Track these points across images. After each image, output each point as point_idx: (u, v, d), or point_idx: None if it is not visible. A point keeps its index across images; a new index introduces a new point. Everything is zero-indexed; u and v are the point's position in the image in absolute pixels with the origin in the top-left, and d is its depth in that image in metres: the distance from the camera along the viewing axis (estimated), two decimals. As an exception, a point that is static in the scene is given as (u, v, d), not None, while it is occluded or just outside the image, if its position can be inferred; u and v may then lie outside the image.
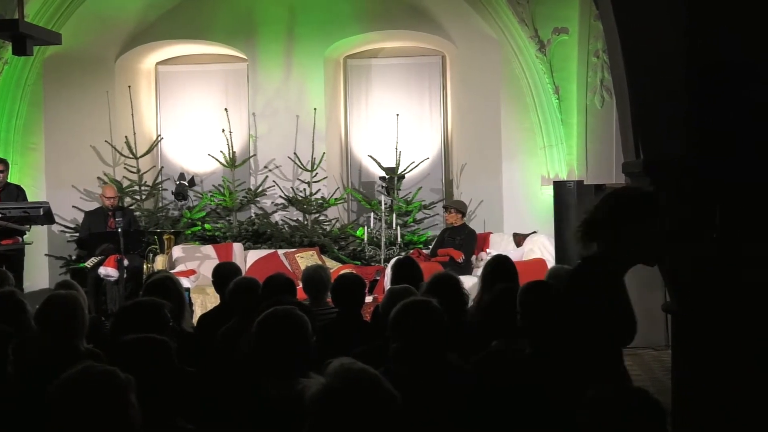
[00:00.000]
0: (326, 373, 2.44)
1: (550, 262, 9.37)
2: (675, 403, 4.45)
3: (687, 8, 4.05)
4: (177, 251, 10.50)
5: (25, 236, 9.80)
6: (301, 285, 6.22)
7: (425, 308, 3.89)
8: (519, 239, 10.54)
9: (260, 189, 11.52)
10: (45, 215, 9.43)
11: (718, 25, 4.04)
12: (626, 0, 4.18)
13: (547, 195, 10.14)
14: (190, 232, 11.20)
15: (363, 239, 10.92)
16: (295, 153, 11.37)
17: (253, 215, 11.52)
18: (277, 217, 11.51)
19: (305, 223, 11.28)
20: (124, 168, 11.48)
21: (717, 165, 4.01)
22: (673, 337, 4.73)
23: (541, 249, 10.09)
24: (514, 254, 9.17)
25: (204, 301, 9.32)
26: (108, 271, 9.70)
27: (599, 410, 2.32)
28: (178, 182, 11.23)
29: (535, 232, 10.48)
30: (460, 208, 10.56)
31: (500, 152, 11.19)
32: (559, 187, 9.62)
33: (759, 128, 3.95)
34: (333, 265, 10.03)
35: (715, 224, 4.06)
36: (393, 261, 7.59)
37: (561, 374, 3.83)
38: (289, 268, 10.13)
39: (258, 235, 11.19)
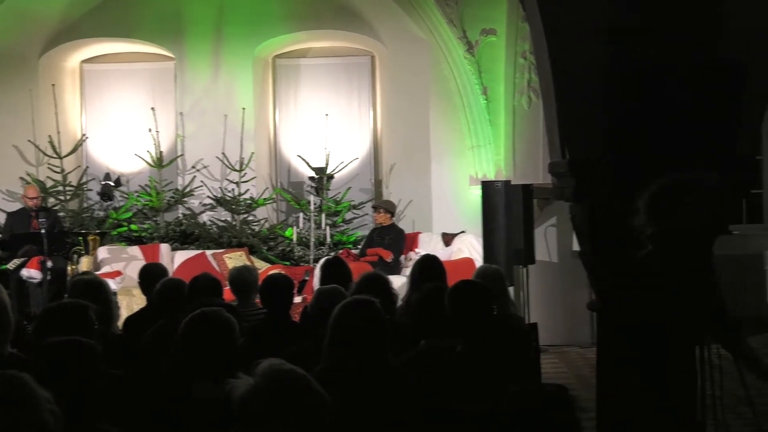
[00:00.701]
0: (255, 373, 2.43)
1: (478, 262, 9.46)
2: (600, 400, 4.53)
3: (608, 15, 4.13)
4: (102, 252, 10.34)
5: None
6: (228, 286, 6.18)
7: (369, 308, 3.88)
8: (447, 239, 10.61)
9: (188, 189, 11.40)
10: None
11: (637, 29, 4.13)
12: (552, 3, 4.25)
13: (475, 195, 10.23)
14: (116, 232, 11.03)
15: (292, 239, 10.89)
16: (223, 153, 11.29)
17: (180, 216, 11.40)
18: (205, 218, 11.41)
19: (234, 223, 11.21)
20: (48, 168, 11.25)
21: (631, 165, 4.09)
22: (597, 335, 4.81)
23: (470, 248, 10.18)
24: (443, 254, 9.22)
25: (130, 302, 9.18)
26: (31, 273, 9.52)
27: (518, 405, 2.35)
28: (103, 182, 11.05)
29: (463, 232, 10.56)
30: (389, 208, 10.60)
31: (429, 152, 11.25)
32: (486, 187, 9.71)
33: (671, 130, 4.05)
34: (262, 266, 9.98)
35: (633, 223, 4.14)
36: (322, 261, 7.58)
37: (489, 371, 3.87)
38: (218, 269, 10.04)
39: (186, 235, 11.07)
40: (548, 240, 9.99)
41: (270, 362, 2.49)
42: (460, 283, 4.38)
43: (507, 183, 9.59)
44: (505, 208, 9.35)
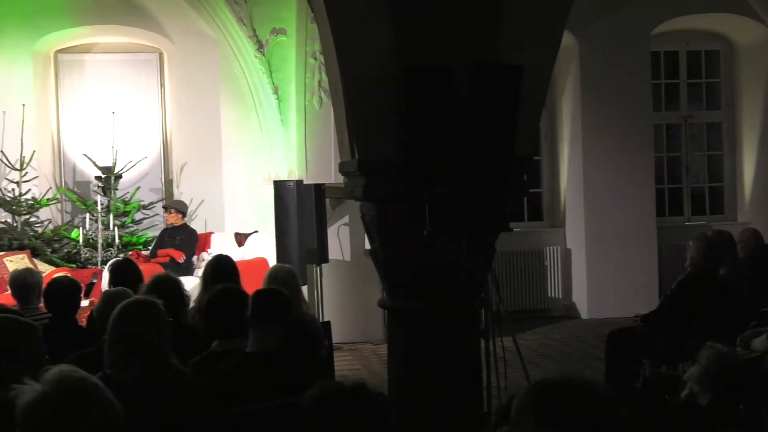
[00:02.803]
0: (43, 380, 2.33)
1: (272, 261, 9.46)
2: (391, 395, 4.64)
3: (392, 14, 4.24)
4: None
5: None
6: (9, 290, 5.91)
7: (148, 309, 3.79)
8: (240, 239, 10.56)
9: (-37, 189, 10.79)
10: None
11: (420, 30, 4.26)
12: (339, 4, 4.31)
13: (267, 194, 10.22)
14: None
15: (78, 241, 10.51)
16: (1, 151, 10.74)
17: (-45, 218, 10.77)
18: (-18, 219, 10.83)
19: (15, 225, 10.69)
20: None
21: (426, 166, 4.21)
22: (387, 331, 4.93)
23: (263, 248, 10.16)
24: (236, 254, 9.17)
25: None
26: None
27: (317, 402, 2.37)
28: None
29: (256, 232, 10.53)
30: (180, 208, 10.43)
31: (221, 151, 11.15)
32: (279, 186, 9.73)
33: (455, 130, 4.20)
34: (46, 269, 9.57)
35: (425, 222, 4.27)
36: (110, 263, 7.37)
37: (283, 370, 3.88)
38: (-3, 272, 9.58)
39: (-39, 238, 10.47)
40: (341, 239, 10.13)
41: (60, 369, 2.40)
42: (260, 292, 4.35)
43: (299, 182, 9.65)
44: (298, 208, 9.41)
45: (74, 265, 10.29)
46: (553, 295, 11.77)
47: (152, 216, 11.22)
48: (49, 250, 10.53)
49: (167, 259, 9.89)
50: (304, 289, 8.79)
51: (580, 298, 11.65)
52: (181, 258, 9.92)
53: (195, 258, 10.23)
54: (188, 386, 3.75)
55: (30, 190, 10.81)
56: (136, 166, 11.09)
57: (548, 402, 2.21)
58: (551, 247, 11.77)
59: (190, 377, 3.84)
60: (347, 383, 2.43)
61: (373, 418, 2.34)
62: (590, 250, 11.49)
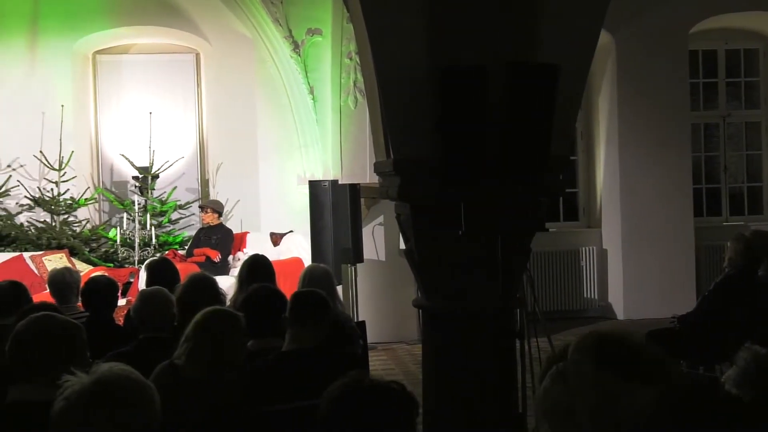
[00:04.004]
0: (91, 372, 2.35)
1: (307, 261, 9.49)
2: (425, 395, 4.63)
3: (428, 14, 4.23)
4: None
5: None
6: (48, 289, 5.98)
7: (231, 320, 3.86)
8: (276, 238, 10.59)
9: (3, 189, 10.91)
10: None
11: (456, 30, 4.24)
12: (375, 4, 4.31)
13: (303, 194, 10.24)
14: (-76, 236, 10.44)
15: (116, 240, 10.60)
16: (41, 151, 10.86)
17: (-5, 217, 10.90)
18: (22, 219, 10.94)
19: (53, 224, 10.81)
20: None
21: (462, 166, 4.20)
22: (422, 331, 4.92)
23: (298, 248, 10.19)
24: (271, 253, 9.20)
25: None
26: None
27: (343, 399, 2.36)
28: None
29: (291, 231, 10.56)
30: (217, 208, 10.48)
31: (256, 151, 11.20)
32: (314, 186, 9.75)
33: (498, 130, 4.18)
34: (84, 268, 9.67)
35: (461, 222, 4.26)
36: (147, 262, 7.43)
37: (319, 370, 3.88)
38: (36, 271, 9.68)
39: (1, 238, 10.59)
40: (375, 239, 10.13)
41: (111, 365, 2.41)
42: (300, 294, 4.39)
43: (334, 182, 9.66)
44: (333, 208, 9.42)
45: (111, 265, 10.38)
46: (588, 296, 11.69)
47: (188, 216, 11.30)
48: (87, 249, 10.63)
49: (203, 258, 9.94)
50: (339, 289, 8.80)
51: (616, 298, 11.56)
52: (216, 257, 9.97)
53: (231, 257, 10.27)
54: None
55: (68, 190, 10.92)
56: (173, 166, 11.17)
57: (608, 346, 2.27)
58: (587, 247, 11.69)
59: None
60: (366, 380, 2.41)
61: (391, 418, 2.33)
62: (627, 250, 11.39)
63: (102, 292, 5.53)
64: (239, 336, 3.82)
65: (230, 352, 3.74)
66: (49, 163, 10.86)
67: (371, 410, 2.30)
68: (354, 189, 9.43)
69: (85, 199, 11.02)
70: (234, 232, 10.47)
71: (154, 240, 10.57)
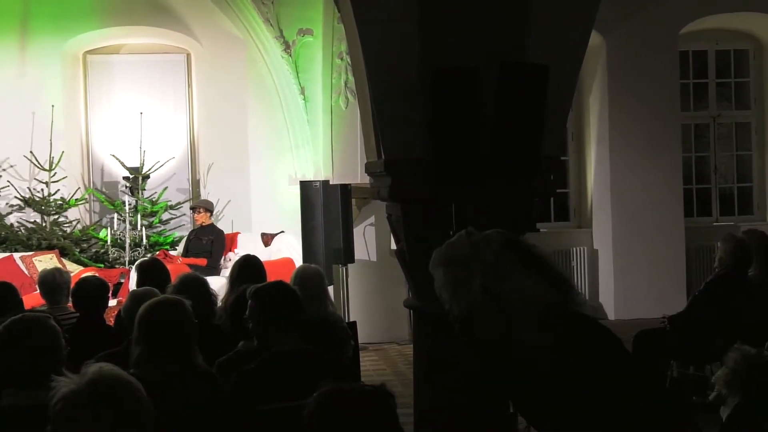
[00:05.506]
0: (82, 373, 2.34)
1: (298, 261, 9.48)
2: (416, 396, 4.63)
3: (419, 15, 4.23)
4: None
5: None
6: (38, 289, 5.96)
7: (175, 307, 3.77)
8: (267, 239, 10.58)
9: (-7, 190, 10.88)
10: None
11: (446, 31, 4.25)
12: (365, 5, 4.31)
13: (294, 195, 10.24)
14: None
15: (106, 241, 10.58)
16: (31, 152, 10.83)
17: (-16, 218, 10.87)
18: (12, 219, 10.91)
19: (43, 225, 10.78)
20: None
21: (453, 166, 4.20)
22: (413, 332, 4.92)
23: (289, 248, 10.18)
24: (262, 254, 9.19)
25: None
26: None
27: (325, 402, 2.37)
28: None
29: (282, 232, 10.55)
30: (208, 207, 10.47)
31: (247, 152, 11.18)
32: (305, 186, 9.75)
33: (481, 130, 4.18)
34: (74, 269, 9.65)
35: (451, 222, 4.26)
36: (138, 263, 7.41)
37: (310, 370, 3.88)
38: (26, 272, 9.65)
39: (-9, 238, 10.57)
40: (367, 239, 10.13)
41: (100, 365, 2.41)
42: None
43: (325, 183, 9.66)
44: (324, 208, 9.42)
45: (102, 265, 10.36)
46: (579, 296, 11.69)
47: (179, 216, 11.28)
48: (78, 249, 10.61)
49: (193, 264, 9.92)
50: (331, 289, 8.80)
51: (606, 299, 11.58)
52: (204, 263, 9.95)
53: (222, 258, 10.26)
54: (213, 386, 3.75)
55: (59, 190, 10.89)
56: (164, 166, 11.15)
57: (517, 240, 2.62)
58: (578, 248, 11.71)
59: (215, 377, 3.84)
60: (348, 387, 2.43)
61: (375, 422, 2.34)
62: (617, 250, 11.42)
63: (92, 292, 5.52)
64: (188, 329, 3.70)
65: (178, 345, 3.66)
66: (39, 163, 10.83)
67: (348, 420, 2.32)
68: (345, 189, 9.43)
69: (76, 200, 11.00)
70: (225, 233, 10.46)
71: (144, 240, 10.55)
